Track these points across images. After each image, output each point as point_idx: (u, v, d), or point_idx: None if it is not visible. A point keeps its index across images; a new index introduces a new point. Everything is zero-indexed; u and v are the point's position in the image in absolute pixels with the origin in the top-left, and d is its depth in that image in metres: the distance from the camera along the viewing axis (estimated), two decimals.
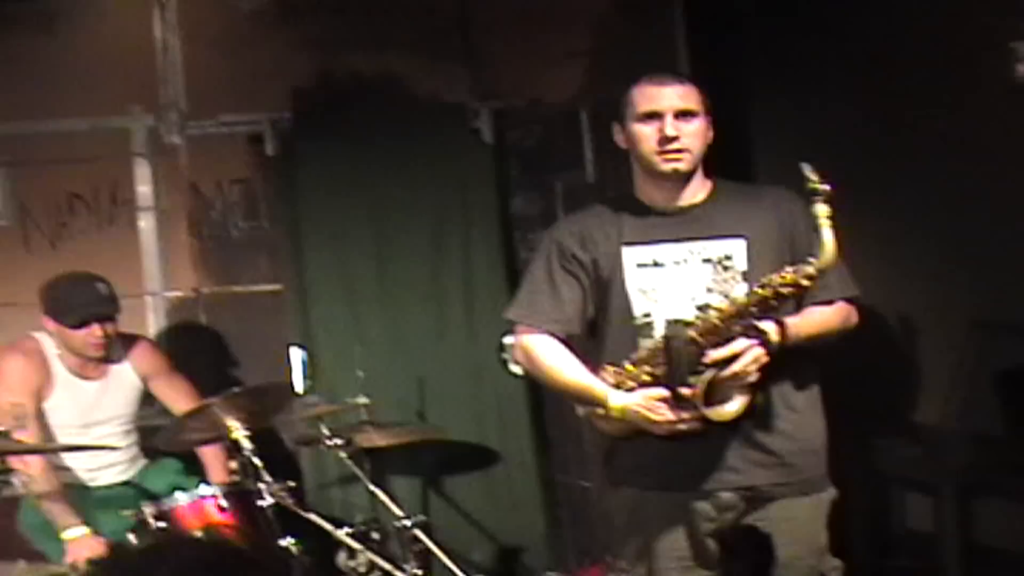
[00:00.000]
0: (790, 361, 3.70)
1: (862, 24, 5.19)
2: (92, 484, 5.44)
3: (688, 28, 5.34)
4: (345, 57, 6.63)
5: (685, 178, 3.80)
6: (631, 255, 3.80)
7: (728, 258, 3.75)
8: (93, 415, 5.40)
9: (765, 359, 3.59)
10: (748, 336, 3.58)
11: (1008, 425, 4.77)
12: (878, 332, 5.13)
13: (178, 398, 5.56)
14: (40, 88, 6.49)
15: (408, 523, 5.11)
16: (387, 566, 4.84)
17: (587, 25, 5.76)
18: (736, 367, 3.56)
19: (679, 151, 3.72)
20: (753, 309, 3.57)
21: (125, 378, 5.52)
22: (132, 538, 4.80)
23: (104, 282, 5.36)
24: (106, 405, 5.44)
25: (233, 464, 5.50)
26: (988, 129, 4.88)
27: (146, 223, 6.60)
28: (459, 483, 6.26)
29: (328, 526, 4.84)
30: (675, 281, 3.75)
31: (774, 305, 3.58)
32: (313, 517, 4.85)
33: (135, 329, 6.13)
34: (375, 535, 5.23)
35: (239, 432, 4.87)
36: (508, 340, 6.12)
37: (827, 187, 3.47)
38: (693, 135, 3.75)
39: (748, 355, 3.57)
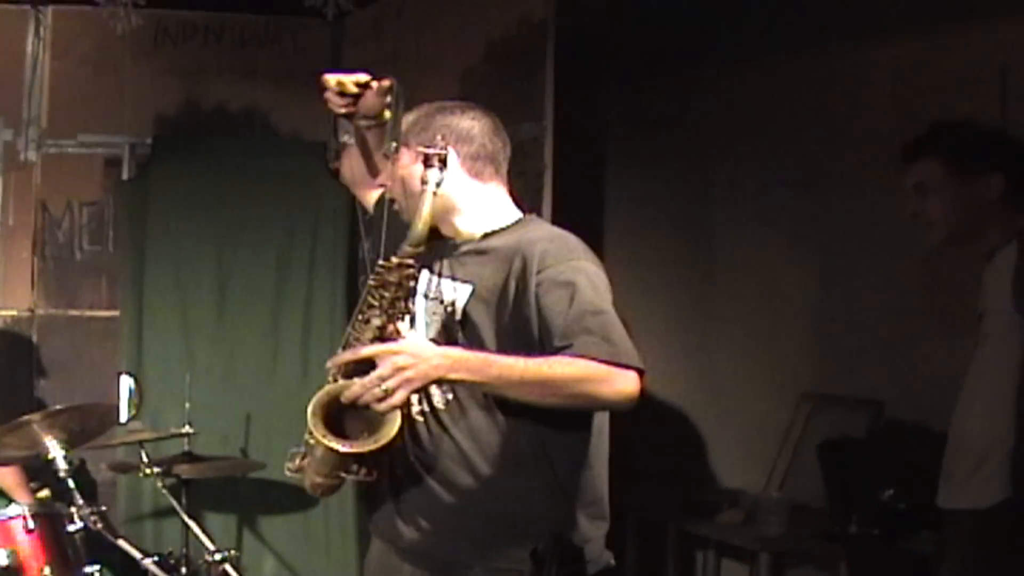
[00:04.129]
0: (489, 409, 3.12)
1: (720, 94, 5.22)
2: None
3: (556, 82, 5.26)
4: (212, 86, 6.61)
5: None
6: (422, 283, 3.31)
7: (452, 304, 3.22)
8: None
9: (411, 373, 2.90)
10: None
11: (828, 495, 4.70)
12: (705, 397, 5.08)
13: None
14: None
15: (218, 557, 4.93)
16: None
17: (455, 73, 5.70)
18: (370, 377, 2.90)
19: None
20: (374, 312, 3.06)
21: None
22: None
23: None
24: None
25: (34, 485, 5.33)
26: (829, 206, 4.93)
27: None
28: (275, 522, 6.11)
29: (136, 553, 4.68)
30: (422, 320, 3.27)
31: (389, 297, 3.04)
32: (122, 543, 4.68)
33: None
34: (183, 568, 5.10)
35: (56, 451, 4.67)
36: None
37: (442, 150, 3.05)
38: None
39: (385, 362, 2.90)
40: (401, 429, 3.04)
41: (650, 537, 5.44)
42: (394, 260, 3.05)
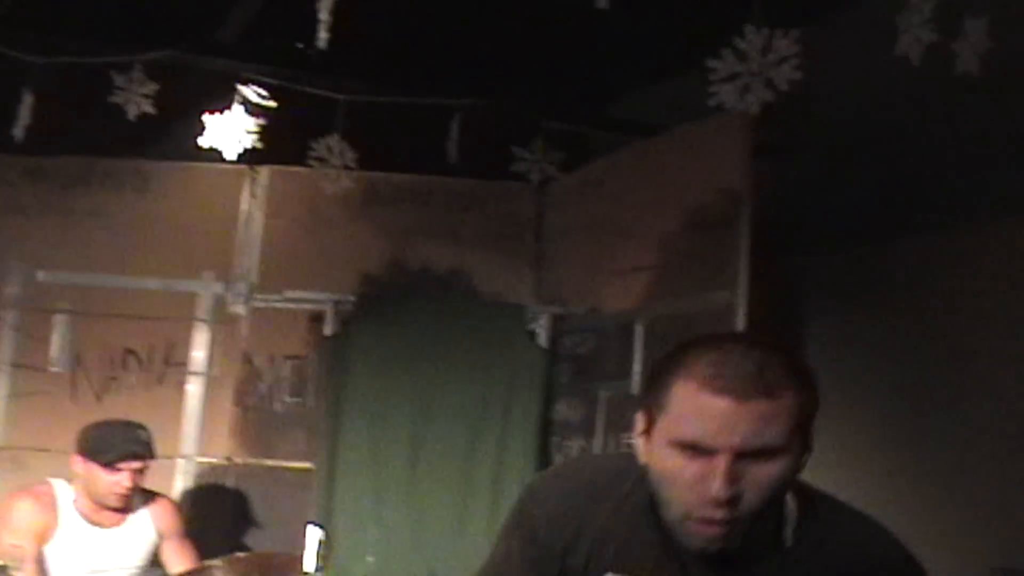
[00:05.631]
0: None
1: (916, 263, 5.12)
2: None
3: (752, 250, 5.22)
4: (418, 247, 6.74)
5: None
6: None
7: None
8: (99, 563, 5.24)
9: None
10: None
11: None
12: None
13: (183, 564, 5.38)
14: (120, 243, 6.69)
15: None
16: None
17: (654, 240, 5.70)
18: None
19: (726, 522, 2.11)
20: None
21: (142, 530, 5.38)
22: None
23: (145, 430, 5.29)
24: (116, 555, 5.29)
25: None
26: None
27: (194, 387, 6.60)
28: None
29: None
30: None
31: None
32: None
33: (161, 488, 6.06)
34: None
35: None
36: None
37: None
38: (763, 488, 2.11)
39: None
40: None
41: None
42: None
